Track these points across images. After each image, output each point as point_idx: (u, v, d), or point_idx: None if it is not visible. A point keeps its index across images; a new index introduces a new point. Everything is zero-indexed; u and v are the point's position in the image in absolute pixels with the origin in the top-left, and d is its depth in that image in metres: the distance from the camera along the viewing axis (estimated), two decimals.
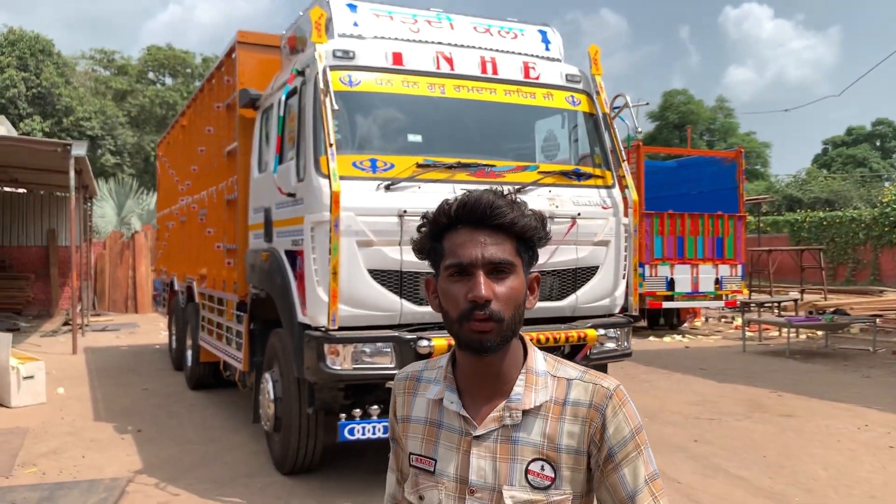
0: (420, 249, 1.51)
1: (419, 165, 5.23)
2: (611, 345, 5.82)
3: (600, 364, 5.97)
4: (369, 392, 5.31)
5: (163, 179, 12.92)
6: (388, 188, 5.09)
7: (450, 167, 5.31)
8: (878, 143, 51.25)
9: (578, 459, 1.44)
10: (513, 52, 6.06)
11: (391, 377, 1.44)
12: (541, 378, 1.48)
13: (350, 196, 4.92)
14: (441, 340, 4.93)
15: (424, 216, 1.50)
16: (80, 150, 12.61)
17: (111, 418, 7.90)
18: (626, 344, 5.95)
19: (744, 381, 9.77)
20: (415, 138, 5.71)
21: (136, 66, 44.09)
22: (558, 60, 6.29)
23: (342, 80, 5.26)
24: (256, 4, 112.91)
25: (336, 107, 4.97)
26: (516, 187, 5.40)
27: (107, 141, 35.38)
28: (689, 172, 16.15)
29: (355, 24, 5.65)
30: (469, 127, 5.92)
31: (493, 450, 1.45)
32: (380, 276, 5.07)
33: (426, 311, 5.02)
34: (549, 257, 5.45)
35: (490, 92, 5.72)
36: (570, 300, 5.67)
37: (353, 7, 5.72)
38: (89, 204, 19.20)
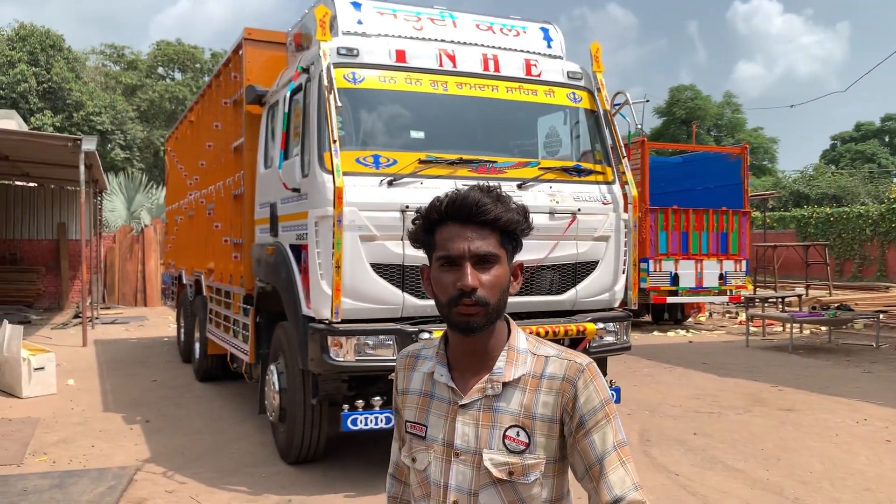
0: (415, 240, 1.67)
1: (421, 161, 5.31)
2: (610, 338, 5.91)
3: (600, 357, 6.08)
4: (372, 383, 5.41)
5: (171, 174, 13.05)
6: (390, 184, 5.19)
7: (452, 163, 5.39)
8: (886, 139, 50.98)
9: (552, 427, 1.59)
10: (515, 50, 6.14)
11: (393, 369, 1.54)
12: (521, 355, 1.64)
13: (353, 191, 5.02)
14: (441, 333, 5.02)
15: (418, 211, 1.65)
16: (90, 144, 12.76)
17: (120, 409, 8.05)
18: (625, 338, 6.04)
19: (745, 375, 9.84)
20: (417, 135, 5.79)
21: (146, 62, 44.31)
22: (560, 58, 6.36)
23: (346, 78, 5.35)
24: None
25: (340, 104, 5.07)
26: (517, 183, 5.50)
27: (116, 135, 35.61)
28: (694, 168, 16.18)
29: (359, 22, 5.74)
30: (471, 123, 5.99)
31: (476, 417, 1.61)
32: (382, 270, 5.17)
33: (428, 305, 5.11)
34: (550, 252, 5.54)
35: (492, 89, 5.79)
36: (570, 294, 5.76)
37: (357, 5, 5.80)
38: (99, 198, 19.40)
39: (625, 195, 6.03)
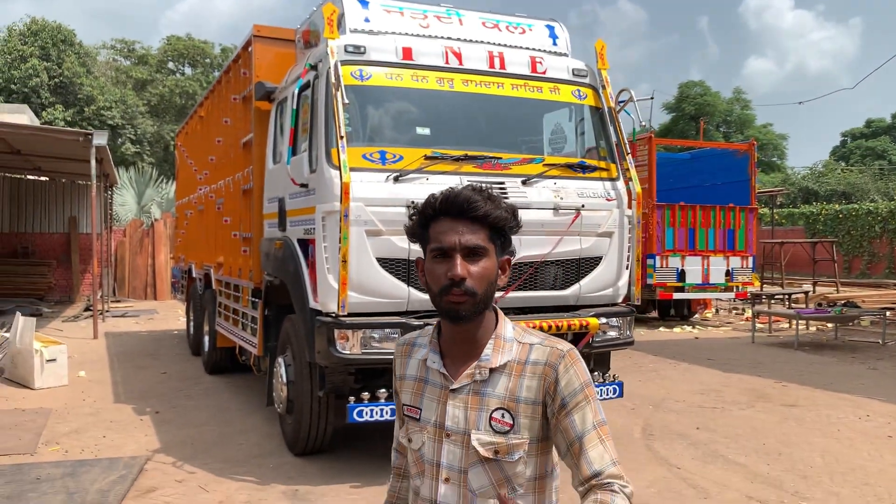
0: (411, 234, 1.79)
1: (427, 158, 5.38)
2: (613, 333, 5.97)
3: (603, 352, 6.15)
4: (378, 376, 5.49)
5: (181, 169, 13.15)
6: (396, 179, 5.26)
7: (457, 159, 5.46)
8: None
9: (535, 409, 1.70)
10: (520, 47, 6.19)
11: None
12: (507, 343, 1.75)
13: (360, 187, 5.10)
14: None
15: (415, 207, 1.77)
16: (101, 139, 12.88)
17: (130, 400, 8.17)
18: (627, 333, 6.10)
19: (750, 371, 9.89)
20: (423, 131, 5.85)
21: (156, 56, 44.54)
22: (565, 55, 6.42)
23: (353, 75, 5.43)
24: None
25: (347, 101, 5.15)
26: (521, 179, 5.57)
27: (127, 130, 35.82)
28: (701, 164, 16.18)
29: (367, 20, 5.81)
30: (477, 120, 6.06)
31: (465, 401, 1.73)
32: (388, 264, 5.25)
33: None
34: (554, 247, 5.61)
35: (498, 86, 5.85)
36: (573, 289, 5.82)
37: (364, 3, 5.87)
38: (110, 192, 19.56)
39: (629, 191, 6.08)
